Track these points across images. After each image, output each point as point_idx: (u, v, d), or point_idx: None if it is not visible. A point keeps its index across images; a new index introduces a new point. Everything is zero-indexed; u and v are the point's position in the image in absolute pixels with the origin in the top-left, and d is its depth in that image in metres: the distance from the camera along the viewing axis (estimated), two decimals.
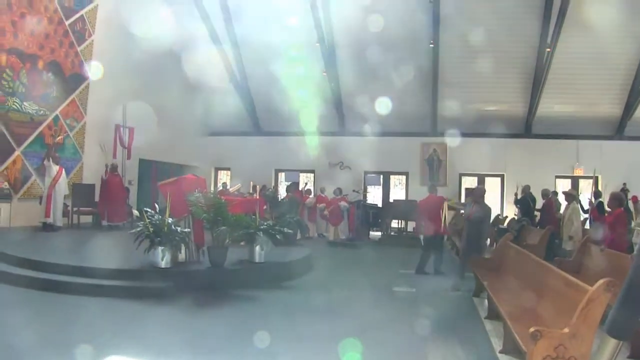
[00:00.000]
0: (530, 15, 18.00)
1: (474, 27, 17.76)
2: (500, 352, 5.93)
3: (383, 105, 19.58)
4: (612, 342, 1.92)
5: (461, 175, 22.14)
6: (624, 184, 18.35)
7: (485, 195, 10.76)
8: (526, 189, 16.28)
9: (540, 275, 6.51)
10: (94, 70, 17.04)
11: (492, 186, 21.98)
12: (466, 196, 9.76)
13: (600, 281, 4.33)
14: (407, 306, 8.39)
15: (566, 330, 4.38)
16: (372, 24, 17.62)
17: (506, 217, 19.57)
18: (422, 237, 12.86)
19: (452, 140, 20.64)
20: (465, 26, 18.06)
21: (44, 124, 15.62)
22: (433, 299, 8.91)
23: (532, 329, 4.40)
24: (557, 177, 20.89)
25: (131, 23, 17.23)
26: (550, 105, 20.07)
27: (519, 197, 16.87)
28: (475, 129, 20.56)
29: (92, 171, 17.20)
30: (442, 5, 17.91)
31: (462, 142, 20.89)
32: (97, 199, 16.43)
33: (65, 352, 5.41)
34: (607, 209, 10.75)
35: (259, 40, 19.40)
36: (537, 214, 15.60)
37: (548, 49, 18.00)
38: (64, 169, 14.86)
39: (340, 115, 22.25)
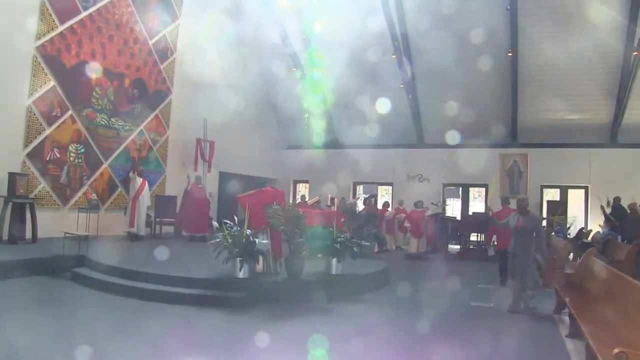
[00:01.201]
0: (613, 17, 17.25)
1: (553, 34, 17.34)
2: None
3: (462, 117, 19.35)
4: None
5: (542, 187, 21.47)
6: None
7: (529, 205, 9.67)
8: (617, 201, 15.70)
9: (627, 294, 6.24)
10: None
11: (575, 199, 21.30)
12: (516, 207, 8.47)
13: None
14: (483, 322, 8.22)
15: None
16: (449, 34, 17.45)
17: (590, 230, 18.86)
18: (490, 249, 12.88)
19: (533, 151, 20.18)
20: (544, 33, 17.65)
21: (129, 139, 16.32)
22: (512, 315, 8.70)
23: (616, 350, 4.25)
24: None
25: (211, 40, 17.81)
26: (638, 113, 19.14)
27: (606, 209, 16.16)
28: (557, 139, 19.96)
29: (174, 183, 17.78)
30: (520, 13, 17.51)
31: (544, 153, 20.36)
32: (177, 210, 16.97)
33: (139, 355, 5.62)
34: None
35: (335, 55, 19.54)
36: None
37: (635, 52, 17.14)
38: (147, 182, 15.45)
39: (418, 127, 22.07)
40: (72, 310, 7.79)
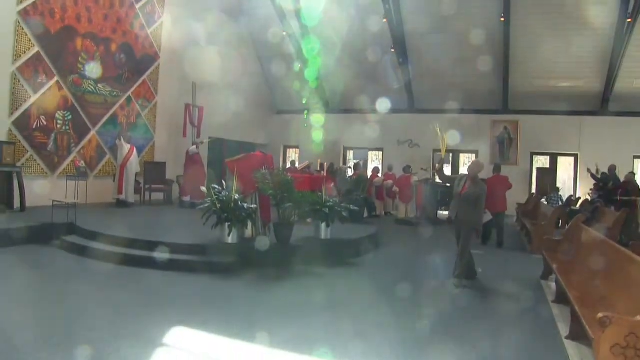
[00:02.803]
0: None
1: (546, 1, 17.18)
2: (567, 337, 5.77)
3: (453, 83, 19.28)
4: None
5: (533, 154, 21.50)
6: None
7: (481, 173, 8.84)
8: (612, 169, 15.68)
9: (613, 260, 6.27)
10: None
11: (565, 166, 21.37)
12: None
13: None
14: (470, 287, 8.26)
15: (639, 318, 4.22)
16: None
17: (579, 198, 18.96)
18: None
19: (524, 117, 20.17)
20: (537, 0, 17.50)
21: (117, 105, 16.09)
22: (498, 281, 8.75)
23: (600, 315, 4.27)
24: (635, 157, 19.82)
25: (199, 2, 17.56)
26: (630, 81, 19.02)
27: (598, 175, 16.16)
28: (548, 106, 19.91)
29: (163, 150, 17.62)
30: None
31: (535, 120, 20.33)
32: (169, 176, 16.93)
33: (134, 321, 5.66)
34: None
35: (327, 19, 19.30)
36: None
37: (629, 20, 16.97)
38: (135, 148, 15.30)
39: (409, 92, 21.95)
40: (60, 278, 7.76)
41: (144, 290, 7.24)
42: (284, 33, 20.76)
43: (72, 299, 6.54)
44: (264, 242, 9.15)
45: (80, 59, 14.67)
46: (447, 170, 22.66)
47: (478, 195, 8.37)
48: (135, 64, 16.66)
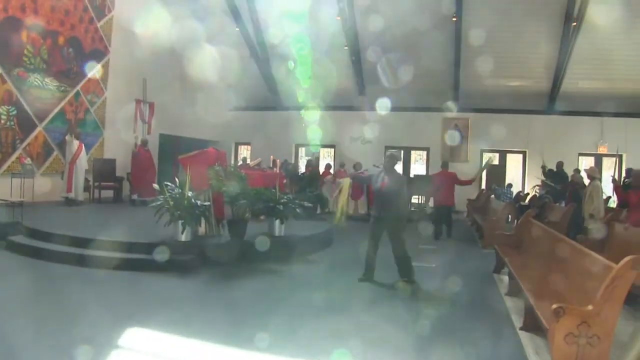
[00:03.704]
0: None
1: (497, 1, 17.50)
2: (521, 329, 5.88)
3: (405, 80, 19.42)
4: None
5: (483, 151, 21.88)
6: None
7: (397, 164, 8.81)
8: (559, 165, 16.14)
9: (563, 253, 6.42)
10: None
11: (514, 163, 21.84)
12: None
13: (626, 258, 4.26)
14: (425, 282, 8.34)
15: (590, 307, 4.33)
16: None
17: (527, 194, 19.38)
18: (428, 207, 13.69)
19: (474, 115, 20.53)
20: (489, 0, 17.79)
21: (65, 100, 15.68)
22: (452, 275, 8.84)
23: (554, 306, 4.36)
24: (580, 154, 20.48)
25: None
26: (575, 82, 19.62)
27: (546, 171, 16.60)
28: (497, 104, 20.33)
29: (113, 146, 17.27)
30: None
31: (484, 118, 20.69)
32: (119, 173, 16.61)
33: (87, 325, 5.48)
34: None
35: (279, 14, 19.21)
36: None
37: (574, 23, 17.55)
38: (83, 145, 14.92)
39: (361, 89, 22.05)
40: (5, 281, 7.46)
41: (96, 291, 7.04)
42: (237, 29, 20.58)
43: (18, 303, 6.31)
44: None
45: (25, 51, 14.22)
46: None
47: (399, 187, 8.16)
48: (84, 59, 16.23)
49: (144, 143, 16.30)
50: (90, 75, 16.46)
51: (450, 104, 20.63)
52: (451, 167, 15.05)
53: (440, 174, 14.20)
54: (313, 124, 21.43)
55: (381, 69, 20.28)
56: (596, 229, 9.54)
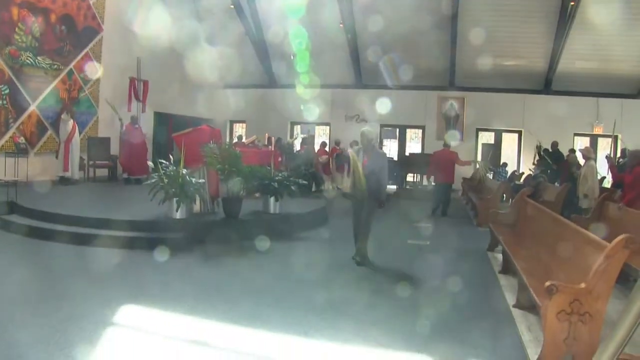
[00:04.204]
0: None
1: None
2: (514, 306, 5.93)
3: (401, 58, 19.38)
4: None
5: (478, 130, 21.89)
6: None
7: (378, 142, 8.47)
8: (554, 145, 16.20)
9: (556, 232, 6.43)
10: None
11: (509, 142, 21.85)
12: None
13: (619, 237, 4.26)
14: (420, 259, 8.38)
15: (582, 285, 4.35)
16: None
17: (522, 173, 19.42)
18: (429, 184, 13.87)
19: (470, 94, 20.51)
20: None
21: (58, 78, 15.54)
22: (446, 253, 8.88)
23: (547, 283, 4.37)
24: (575, 134, 20.53)
25: None
26: (572, 61, 19.57)
27: (541, 151, 16.68)
28: (493, 83, 20.30)
29: (107, 125, 17.14)
30: None
31: (480, 97, 20.64)
32: (112, 152, 16.49)
33: (82, 302, 5.51)
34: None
35: None
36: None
37: (572, 3, 17.42)
38: (76, 124, 14.83)
39: (356, 67, 21.96)
40: (1, 260, 7.48)
41: (92, 269, 7.04)
42: (232, 6, 20.39)
43: (14, 281, 6.30)
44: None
45: (17, 29, 14.02)
46: (394, 144, 22.91)
47: (381, 166, 7.93)
48: (77, 36, 16.06)
49: (134, 120, 16.16)
50: (83, 53, 16.29)
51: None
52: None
53: (442, 152, 14.41)
54: (308, 101, 21.37)
55: (377, 48, 20.18)
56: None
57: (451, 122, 21.77)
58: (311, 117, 21.90)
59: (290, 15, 19.13)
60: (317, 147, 19.51)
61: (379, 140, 21.58)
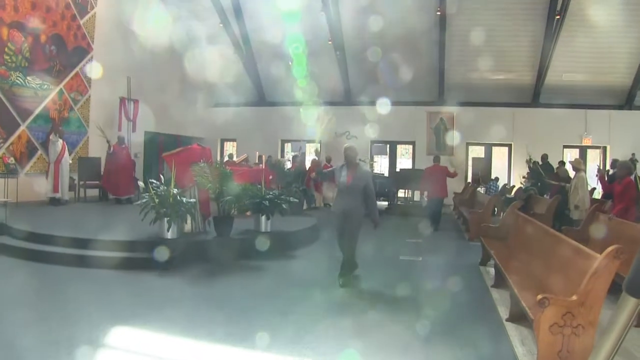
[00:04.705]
0: None
1: None
2: (507, 320, 5.92)
3: (390, 74, 19.47)
4: (631, 302, 1.85)
5: (468, 144, 22.00)
6: (633, 154, 18.15)
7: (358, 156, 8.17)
8: (544, 157, 16.35)
9: (548, 244, 6.46)
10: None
11: (499, 156, 21.95)
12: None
13: (609, 248, 4.29)
14: (412, 275, 8.38)
15: (574, 297, 4.37)
16: None
17: (513, 186, 19.49)
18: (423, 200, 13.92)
19: (460, 109, 20.66)
20: None
21: (48, 98, 15.54)
22: (439, 268, 8.88)
23: (539, 296, 4.39)
24: (565, 146, 20.67)
25: None
26: (559, 74, 19.79)
27: (531, 164, 16.85)
28: (482, 98, 20.45)
29: (98, 145, 17.09)
30: None
31: (470, 111, 20.76)
32: (103, 172, 16.40)
33: (72, 324, 5.45)
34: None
35: (263, 10, 19.15)
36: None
37: (557, 16, 17.67)
38: (66, 144, 14.78)
39: (346, 84, 22.05)
40: None
41: (82, 290, 6.98)
42: (220, 25, 20.45)
43: (1, 303, 6.25)
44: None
45: (6, 49, 14.06)
46: (385, 160, 22.96)
47: (367, 183, 7.66)
48: (66, 56, 16.09)
49: (121, 141, 16.15)
50: (73, 73, 16.27)
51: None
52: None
53: (434, 167, 14.67)
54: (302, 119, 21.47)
55: (366, 64, 20.30)
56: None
57: (441, 136, 21.88)
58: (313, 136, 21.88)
59: (284, 22, 19.16)
60: (308, 164, 19.52)
61: (370, 155, 21.70)
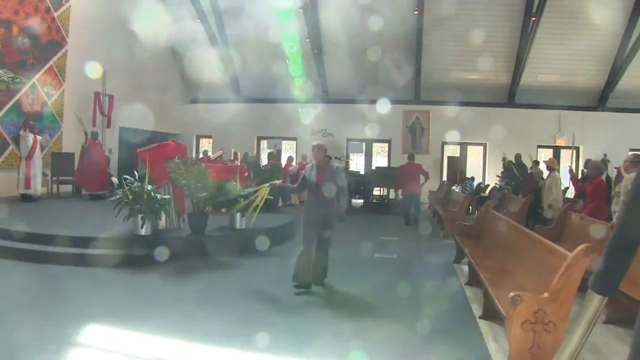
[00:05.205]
0: None
1: None
2: (480, 317, 5.97)
3: (366, 73, 19.54)
4: (596, 299, 1.89)
5: (443, 143, 22.14)
6: (605, 154, 18.41)
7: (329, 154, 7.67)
8: (518, 157, 16.55)
9: (520, 242, 6.54)
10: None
11: (474, 155, 22.13)
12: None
13: (580, 247, 4.35)
14: (387, 272, 8.41)
15: (546, 295, 4.42)
16: None
17: (488, 185, 19.67)
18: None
19: (435, 108, 20.79)
20: None
21: (21, 92, 15.28)
22: (413, 266, 8.93)
23: (512, 294, 4.43)
24: (539, 146, 20.94)
25: None
26: (534, 75, 20.09)
27: (506, 163, 17.08)
28: (458, 97, 20.55)
29: (71, 140, 16.91)
30: None
31: (445, 111, 20.90)
32: (76, 168, 16.21)
33: (43, 322, 5.37)
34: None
35: (241, 5, 19.05)
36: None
37: (533, 18, 17.91)
38: (39, 138, 14.54)
39: (323, 82, 22.06)
40: None
41: (54, 288, 6.92)
42: (198, 20, 20.33)
43: None
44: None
45: None
46: (360, 158, 23.04)
47: (338, 180, 7.19)
48: (40, 49, 15.84)
49: (95, 136, 15.99)
50: (47, 66, 16.06)
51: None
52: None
53: (409, 165, 15.12)
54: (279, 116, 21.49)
55: (344, 63, 20.32)
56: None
57: (417, 135, 22.01)
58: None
59: (262, 19, 19.08)
60: (284, 162, 19.49)
61: (346, 153, 21.74)
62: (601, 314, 2.17)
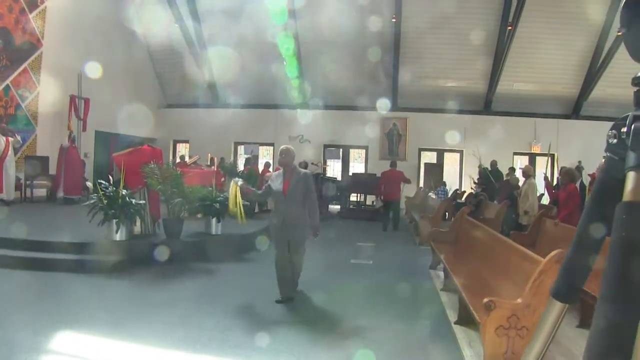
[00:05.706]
0: None
1: (437, 3, 17.78)
2: (455, 323, 5.99)
3: (344, 79, 19.59)
4: (557, 306, 1.90)
5: (421, 150, 22.27)
6: (579, 161, 18.62)
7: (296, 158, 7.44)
8: (493, 164, 16.69)
9: (495, 249, 6.59)
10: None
11: (451, 161, 22.29)
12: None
13: (552, 253, 4.39)
14: (363, 278, 8.41)
15: (519, 300, 4.45)
16: None
17: (464, 191, 19.80)
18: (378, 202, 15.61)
19: (413, 115, 20.90)
20: (428, 2, 18.07)
21: None
22: (389, 271, 8.95)
23: (485, 300, 4.45)
24: (515, 153, 21.19)
25: None
26: (510, 83, 20.33)
27: (481, 169, 17.22)
28: (435, 104, 20.76)
29: (46, 143, 16.68)
30: None
31: (422, 117, 21.04)
32: (52, 171, 16.00)
33: (12, 329, 5.28)
34: None
35: (218, 9, 18.99)
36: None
37: (510, 27, 18.14)
38: (10, 140, 14.27)
39: (301, 87, 22.04)
40: None
41: (25, 294, 6.80)
42: (176, 25, 20.23)
43: None
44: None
45: None
46: (337, 164, 23.05)
47: (307, 188, 6.89)
48: (14, 51, 15.61)
49: (72, 139, 15.84)
50: (21, 68, 15.85)
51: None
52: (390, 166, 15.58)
53: (390, 172, 15.55)
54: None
55: (321, 69, 20.35)
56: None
57: (394, 142, 22.10)
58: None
59: (239, 23, 19.03)
60: (261, 167, 19.42)
61: (323, 159, 21.75)
62: (564, 318, 2.18)
